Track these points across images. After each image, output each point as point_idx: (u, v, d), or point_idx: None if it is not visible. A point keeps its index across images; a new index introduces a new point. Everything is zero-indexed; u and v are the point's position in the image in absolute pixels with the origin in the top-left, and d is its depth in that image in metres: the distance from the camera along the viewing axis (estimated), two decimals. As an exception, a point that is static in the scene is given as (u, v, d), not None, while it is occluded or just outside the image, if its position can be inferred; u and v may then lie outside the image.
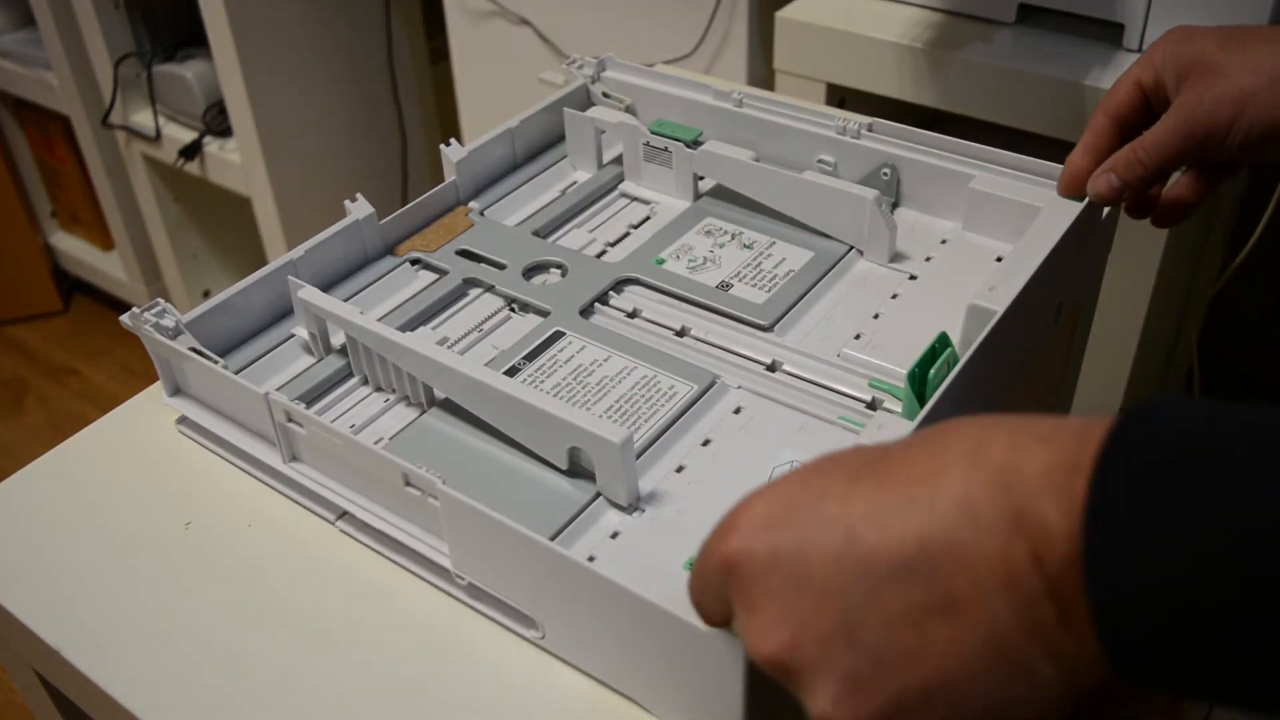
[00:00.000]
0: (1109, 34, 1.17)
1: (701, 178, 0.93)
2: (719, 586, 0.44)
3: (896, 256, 0.85)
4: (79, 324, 2.67)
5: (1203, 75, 0.67)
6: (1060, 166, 0.79)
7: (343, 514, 0.70)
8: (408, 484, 0.64)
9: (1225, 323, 1.91)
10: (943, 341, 0.67)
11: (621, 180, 0.97)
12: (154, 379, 0.79)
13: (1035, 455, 0.36)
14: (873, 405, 0.73)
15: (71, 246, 2.62)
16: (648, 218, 0.92)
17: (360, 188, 0.85)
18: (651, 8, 1.49)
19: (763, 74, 1.47)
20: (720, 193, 0.93)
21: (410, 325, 0.81)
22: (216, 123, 2.05)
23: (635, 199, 0.95)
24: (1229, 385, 1.93)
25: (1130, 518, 0.33)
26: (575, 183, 0.96)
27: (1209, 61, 0.67)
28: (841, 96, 1.31)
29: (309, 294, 0.76)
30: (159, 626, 0.65)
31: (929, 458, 0.39)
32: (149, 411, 0.80)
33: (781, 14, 1.29)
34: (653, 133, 0.93)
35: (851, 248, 0.86)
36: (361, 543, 0.69)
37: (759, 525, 0.42)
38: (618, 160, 0.97)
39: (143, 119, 2.12)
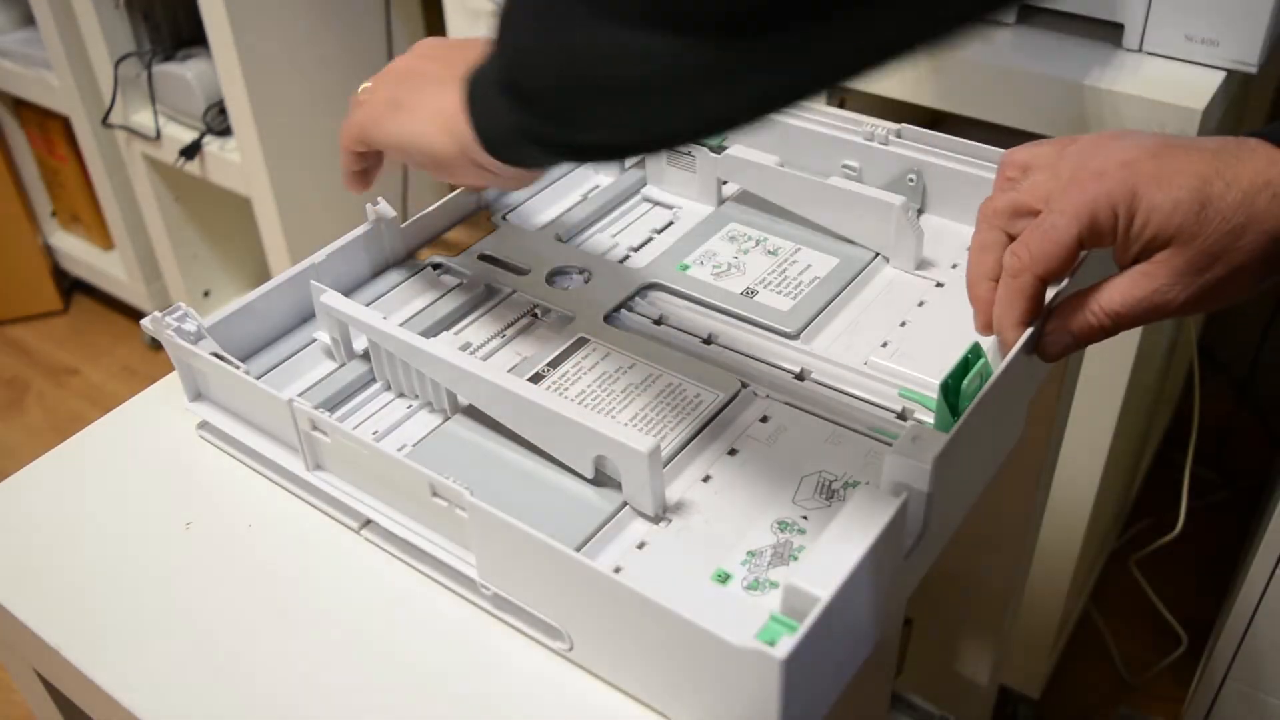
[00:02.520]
0: (1109, 34, 1.16)
1: (725, 182, 0.93)
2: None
3: (922, 263, 0.84)
4: (79, 324, 2.66)
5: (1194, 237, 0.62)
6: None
7: (367, 522, 0.70)
8: (434, 494, 0.63)
9: (1225, 323, 1.91)
10: (975, 352, 0.66)
11: (644, 184, 0.96)
12: (154, 379, 0.80)
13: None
14: (903, 415, 0.72)
15: (71, 246, 2.61)
16: (671, 222, 0.92)
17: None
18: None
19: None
20: (744, 198, 0.93)
21: (432, 331, 0.80)
22: (216, 123, 2.04)
23: (658, 204, 0.95)
24: (1228, 385, 1.93)
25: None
26: (597, 187, 0.96)
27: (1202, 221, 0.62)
28: (842, 97, 1.31)
29: (331, 299, 0.76)
30: (159, 626, 0.65)
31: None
32: (149, 412, 0.80)
33: (783, 14, 1.28)
34: None
35: (877, 254, 0.85)
36: (383, 549, 0.69)
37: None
38: (640, 164, 0.97)
39: (143, 119, 2.11)
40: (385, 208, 0.83)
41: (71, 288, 2.71)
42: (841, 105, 1.30)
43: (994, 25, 1.22)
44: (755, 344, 0.79)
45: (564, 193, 0.95)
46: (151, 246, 2.37)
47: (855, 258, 0.85)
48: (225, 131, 2.04)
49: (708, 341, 0.79)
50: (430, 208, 0.87)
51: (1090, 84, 1.10)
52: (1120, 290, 0.64)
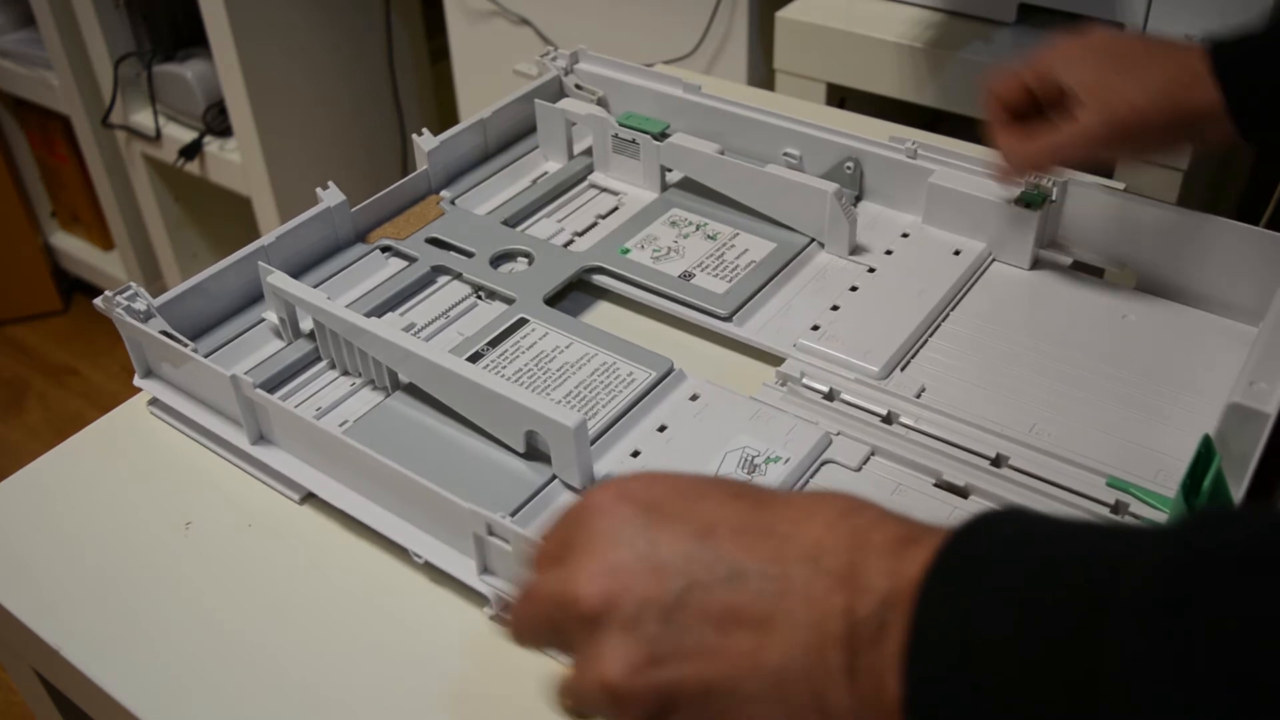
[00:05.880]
0: (1110, 33, 1.17)
1: (669, 170, 0.94)
2: (566, 529, 0.46)
3: (857, 249, 0.86)
4: (79, 324, 2.68)
5: (1105, 99, 0.76)
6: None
7: (309, 495, 0.72)
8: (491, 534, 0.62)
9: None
10: (1207, 445, 0.60)
11: (591, 171, 0.98)
12: (154, 379, 0.80)
13: (888, 527, 0.40)
14: (1116, 509, 0.66)
15: (71, 246, 2.63)
16: (616, 208, 0.94)
17: (360, 187, 0.86)
18: (651, 8, 1.50)
19: (763, 74, 1.48)
20: (688, 184, 0.94)
21: (379, 311, 0.82)
22: (216, 123, 2.06)
23: (604, 190, 0.97)
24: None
25: (958, 610, 0.36)
26: (546, 173, 0.98)
27: (1109, 84, 0.76)
28: (842, 96, 1.32)
29: (278, 279, 0.77)
30: (159, 626, 0.65)
31: (806, 504, 0.42)
32: (149, 411, 0.80)
33: (781, 14, 1.30)
34: (620, 125, 0.94)
35: (813, 240, 0.87)
36: (370, 543, 0.69)
37: (637, 491, 0.45)
38: (588, 152, 0.98)
39: (143, 119, 2.13)
40: (334, 192, 0.85)
41: (71, 288, 2.73)
42: (842, 104, 1.32)
43: (994, 25, 1.24)
44: (691, 325, 0.81)
45: (512, 179, 0.97)
46: (151, 246, 2.39)
47: (792, 243, 0.87)
48: (225, 131, 2.06)
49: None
50: (380, 193, 0.89)
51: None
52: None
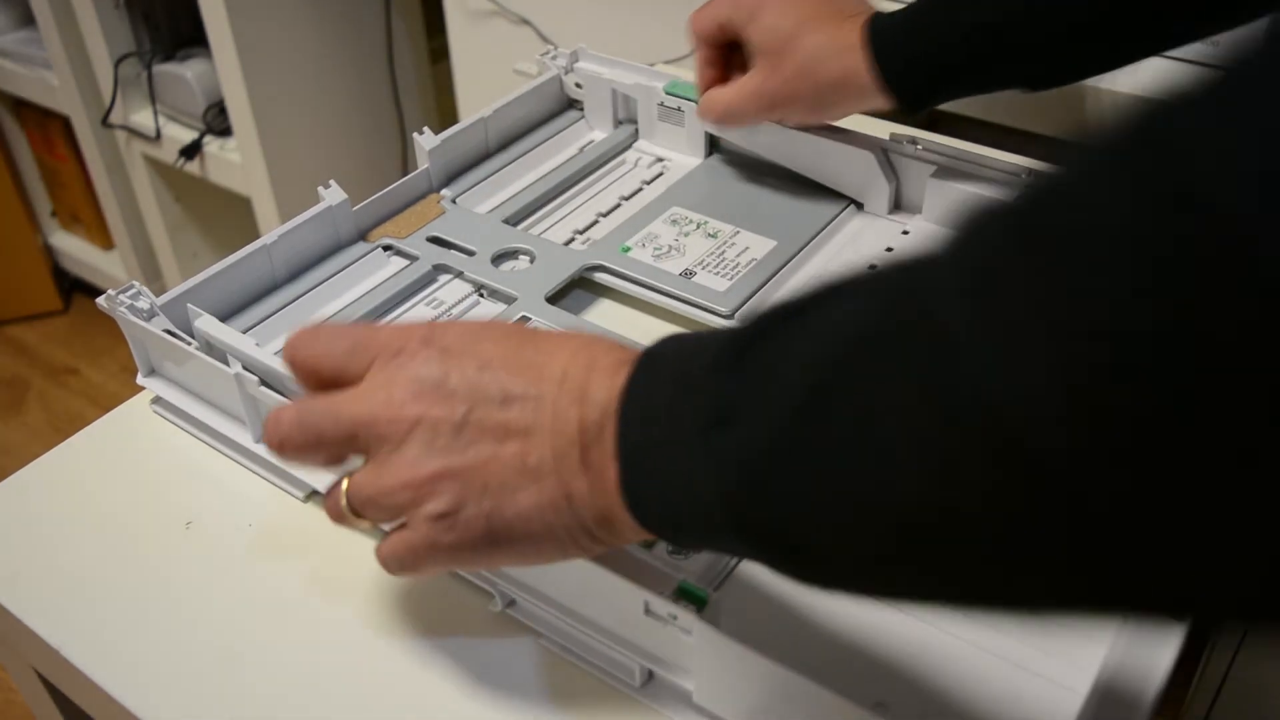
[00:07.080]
0: (1108, 32, 1.17)
1: (715, 137, 0.98)
2: (362, 358, 0.55)
3: (852, 250, 0.87)
4: (79, 324, 2.68)
5: (769, 67, 0.84)
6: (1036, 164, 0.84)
7: (313, 492, 0.71)
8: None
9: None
10: None
11: (636, 139, 1.01)
12: (154, 378, 0.80)
13: (613, 354, 0.51)
14: None
15: (71, 246, 2.63)
16: (617, 205, 0.94)
17: (360, 187, 0.86)
18: (652, 7, 1.50)
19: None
20: (693, 178, 0.96)
21: (380, 310, 0.82)
22: (216, 123, 2.06)
23: (651, 155, 1.00)
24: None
25: (641, 397, 0.48)
26: (592, 140, 1.01)
27: (777, 49, 0.83)
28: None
29: (206, 323, 0.75)
30: (159, 626, 0.65)
31: (558, 340, 0.54)
32: (149, 411, 0.80)
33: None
34: (667, 93, 0.97)
35: (818, 234, 0.88)
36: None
37: (433, 337, 0.54)
38: (631, 120, 1.02)
39: (143, 119, 2.13)
40: (336, 191, 0.85)
41: (71, 288, 2.73)
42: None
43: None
44: (692, 324, 0.81)
45: (514, 177, 0.97)
46: (151, 246, 2.39)
47: (793, 241, 0.87)
48: (225, 131, 2.06)
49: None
50: (381, 192, 0.89)
51: (1090, 84, 1.11)
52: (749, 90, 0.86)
